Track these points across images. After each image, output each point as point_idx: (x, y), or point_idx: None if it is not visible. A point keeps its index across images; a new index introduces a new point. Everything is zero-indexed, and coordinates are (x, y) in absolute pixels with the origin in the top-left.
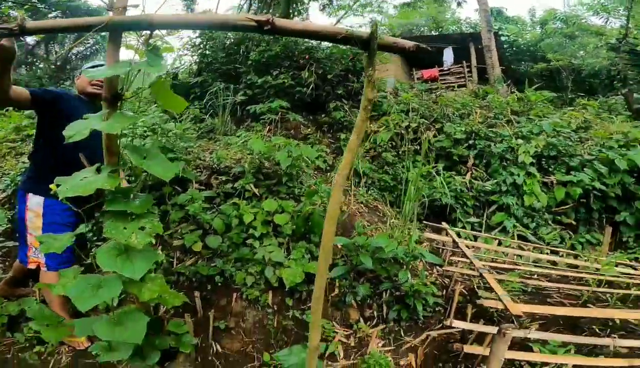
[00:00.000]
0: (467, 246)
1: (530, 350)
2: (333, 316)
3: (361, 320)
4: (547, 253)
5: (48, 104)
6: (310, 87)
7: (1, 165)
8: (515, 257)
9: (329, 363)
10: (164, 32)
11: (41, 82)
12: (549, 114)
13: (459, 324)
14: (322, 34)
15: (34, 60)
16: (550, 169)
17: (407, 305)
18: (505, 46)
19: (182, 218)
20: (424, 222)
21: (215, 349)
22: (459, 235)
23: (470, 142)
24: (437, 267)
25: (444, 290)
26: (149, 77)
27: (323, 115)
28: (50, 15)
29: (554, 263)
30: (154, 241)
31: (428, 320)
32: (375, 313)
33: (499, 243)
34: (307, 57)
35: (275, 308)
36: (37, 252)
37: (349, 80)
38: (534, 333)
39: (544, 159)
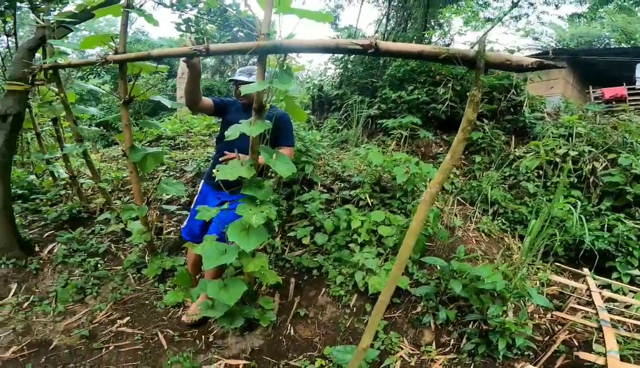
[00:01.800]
0: (610, 298)
1: None
2: (406, 332)
3: (434, 344)
4: None
5: (222, 110)
6: (446, 104)
7: (194, 153)
8: None
9: None
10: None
11: (229, 88)
12: None
13: None
14: (424, 54)
15: (225, 68)
16: None
17: (490, 341)
18: None
19: (302, 214)
20: (559, 264)
21: (288, 331)
22: (608, 286)
23: None
24: (554, 313)
25: (548, 337)
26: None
27: None
28: (234, 29)
29: None
30: (276, 227)
31: (510, 361)
32: (452, 341)
33: None
34: (442, 73)
35: (354, 310)
36: (186, 221)
37: (493, 98)
38: None
39: None
